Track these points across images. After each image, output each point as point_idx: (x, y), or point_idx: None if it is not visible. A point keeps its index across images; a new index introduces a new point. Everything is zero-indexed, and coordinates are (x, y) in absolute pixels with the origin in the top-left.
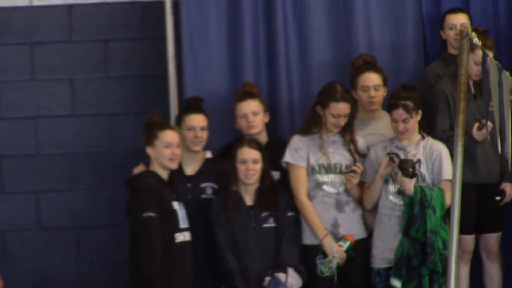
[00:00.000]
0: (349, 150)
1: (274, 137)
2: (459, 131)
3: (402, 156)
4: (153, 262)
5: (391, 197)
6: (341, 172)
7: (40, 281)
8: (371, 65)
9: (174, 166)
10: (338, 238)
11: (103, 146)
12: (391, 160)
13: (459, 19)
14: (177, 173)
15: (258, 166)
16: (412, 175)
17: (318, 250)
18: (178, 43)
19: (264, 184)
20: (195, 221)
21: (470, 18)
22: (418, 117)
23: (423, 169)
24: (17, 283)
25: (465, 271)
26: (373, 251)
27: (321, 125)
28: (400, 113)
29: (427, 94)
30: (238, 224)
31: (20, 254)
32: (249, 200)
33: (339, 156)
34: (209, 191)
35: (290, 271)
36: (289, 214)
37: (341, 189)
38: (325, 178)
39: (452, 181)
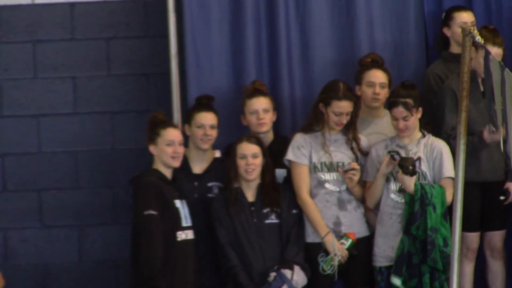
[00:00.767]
0: (352, 149)
1: (280, 136)
2: (462, 129)
3: (403, 154)
4: (154, 260)
5: (392, 195)
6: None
7: (43, 279)
8: (378, 64)
9: (176, 164)
10: (340, 236)
11: (106, 144)
12: (392, 158)
13: (470, 17)
14: (185, 171)
15: (258, 161)
16: (412, 173)
17: (320, 248)
18: (180, 41)
19: (265, 180)
20: (201, 220)
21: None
22: (419, 115)
23: (423, 167)
24: (20, 281)
25: (469, 268)
26: (375, 249)
27: (323, 123)
28: (400, 110)
29: (427, 94)
30: (239, 221)
31: (23, 252)
32: (250, 196)
33: (341, 154)
34: (215, 190)
35: (296, 268)
36: (294, 211)
37: (343, 187)
38: (327, 176)
39: (454, 179)
